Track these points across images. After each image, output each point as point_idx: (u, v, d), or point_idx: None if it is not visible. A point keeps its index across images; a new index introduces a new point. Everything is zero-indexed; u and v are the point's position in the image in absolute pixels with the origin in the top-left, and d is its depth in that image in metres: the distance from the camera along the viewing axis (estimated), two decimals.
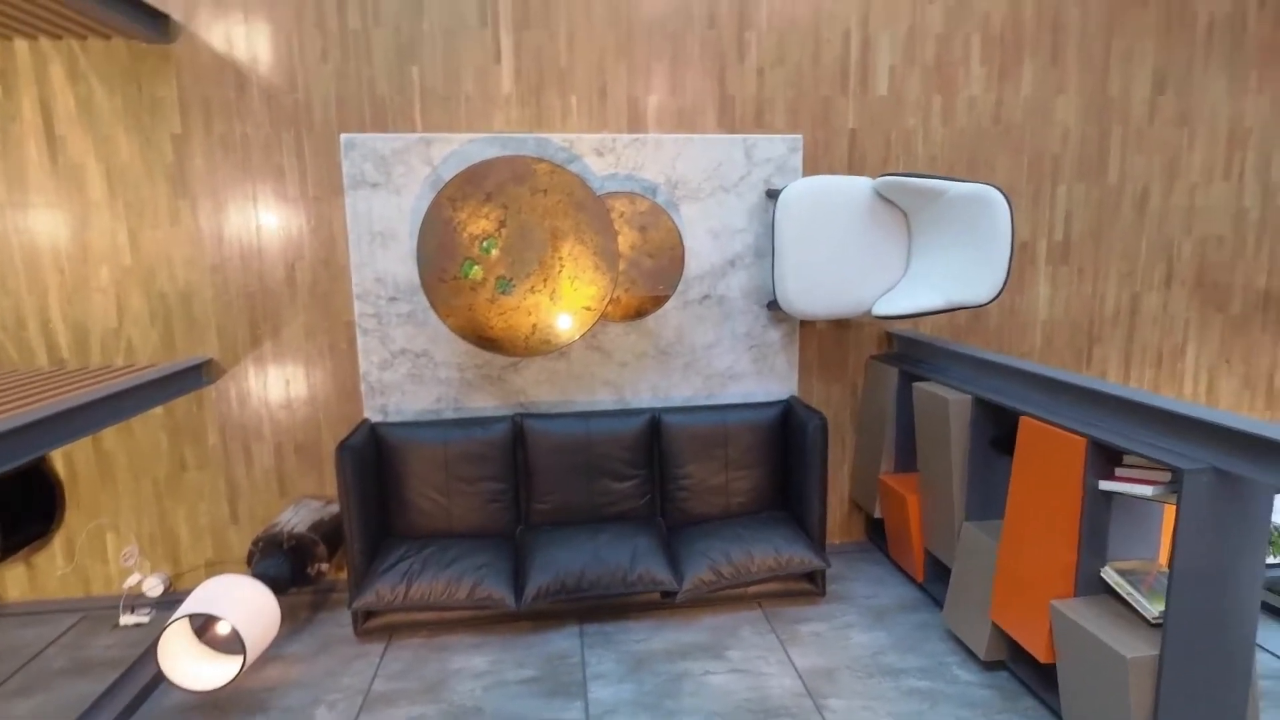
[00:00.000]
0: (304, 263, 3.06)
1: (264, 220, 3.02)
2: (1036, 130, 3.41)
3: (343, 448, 2.72)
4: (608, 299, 2.81)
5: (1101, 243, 3.55)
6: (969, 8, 3.28)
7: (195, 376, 2.99)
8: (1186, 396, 3.74)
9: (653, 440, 3.16)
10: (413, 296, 3.08)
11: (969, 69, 3.32)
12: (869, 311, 3.05)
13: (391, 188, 3.02)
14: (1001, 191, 2.67)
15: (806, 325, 3.38)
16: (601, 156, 3.11)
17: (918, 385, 2.88)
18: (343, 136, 2.98)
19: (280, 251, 3.04)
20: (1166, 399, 2.02)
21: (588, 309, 2.80)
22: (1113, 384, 2.27)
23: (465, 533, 3.02)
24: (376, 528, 2.92)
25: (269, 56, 2.93)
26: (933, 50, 3.28)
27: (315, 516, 2.99)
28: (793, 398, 3.30)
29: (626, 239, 3.07)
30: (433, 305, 2.76)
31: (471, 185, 2.72)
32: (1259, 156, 3.61)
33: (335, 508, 3.08)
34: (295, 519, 2.95)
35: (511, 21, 3.02)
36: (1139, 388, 3.63)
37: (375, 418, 3.14)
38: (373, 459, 2.93)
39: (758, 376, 3.35)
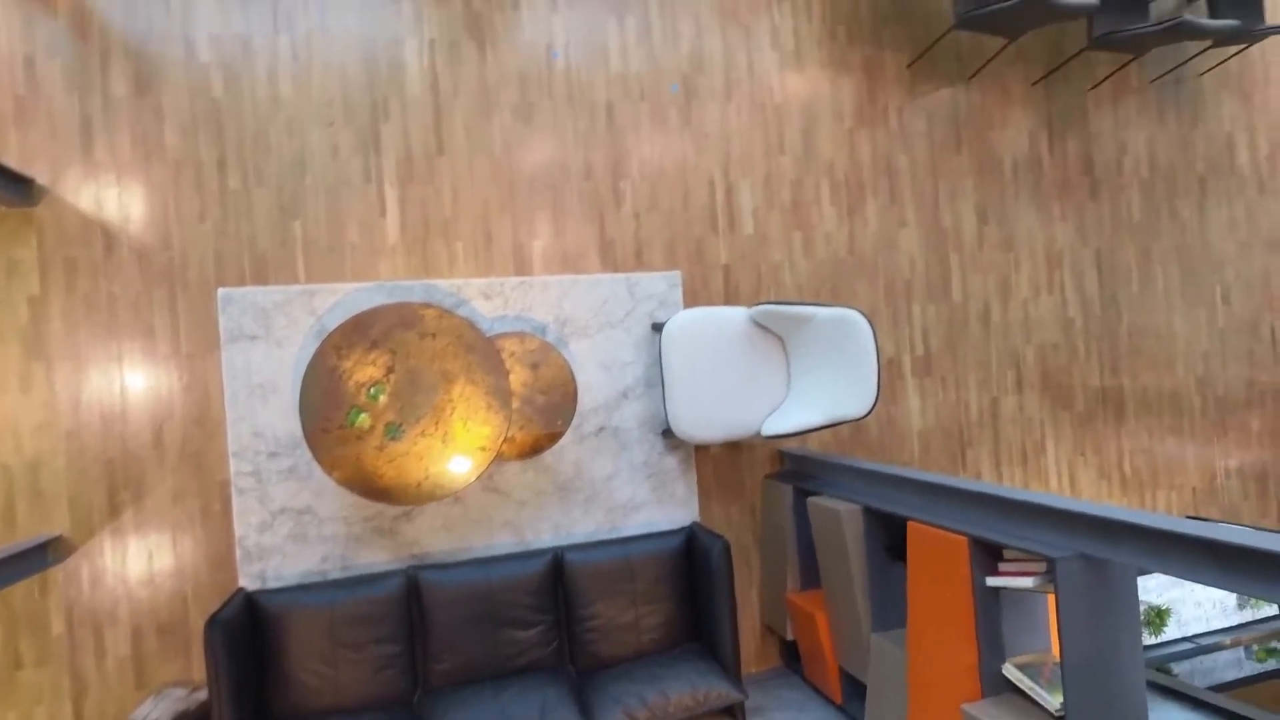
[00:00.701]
0: (174, 422, 2.88)
1: (130, 381, 2.86)
2: (886, 259, 3.79)
3: (212, 623, 2.46)
4: (502, 438, 2.79)
5: (957, 354, 3.89)
6: (815, 158, 3.70)
7: (38, 557, 2.68)
8: (1052, 489, 4.03)
9: (556, 581, 3.05)
10: (295, 450, 2.94)
11: (821, 209, 3.70)
12: (758, 432, 3.16)
13: (273, 339, 2.95)
14: (863, 314, 2.92)
15: (701, 450, 3.45)
16: (490, 299, 3.19)
17: (811, 500, 2.96)
18: (220, 291, 2.92)
19: (148, 412, 2.87)
20: (1034, 493, 2.18)
21: (483, 449, 2.76)
22: (986, 483, 2.42)
23: (355, 706, 2.74)
24: (253, 712, 2.60)
25: (142, 216, 2.89)
26: (789, 194, 3.65)
27: (179, 707, 2.64)
28: (695, 524, 3.31)
29: (519, 377, 3.10)
30: (317, 457, 2.64)
31: (358, 333, 2.70)
32: (1073, 274, 4.15)
33: (204, 694, 2.74)
34: (154, 712, 2.60)
35: (396, 178, 3.15)
36: (1010, 485, 3.89)
37: (252, 586, 2.88)
38: (248, 633, 2.66)
39: (659, 505, 3.35)
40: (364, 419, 2.66)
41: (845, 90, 3.77)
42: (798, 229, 3.65)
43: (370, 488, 2.68)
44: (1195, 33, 3.54)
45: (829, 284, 3.69)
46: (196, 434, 2.90)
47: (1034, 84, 4.11)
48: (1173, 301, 4.37)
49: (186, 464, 2.89)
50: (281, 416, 2.94)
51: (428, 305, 2.78)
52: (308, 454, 2.91)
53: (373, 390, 2.68)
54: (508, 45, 3.30)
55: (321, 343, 2.69)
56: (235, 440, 2.91)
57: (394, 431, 2.69)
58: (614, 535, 3.27)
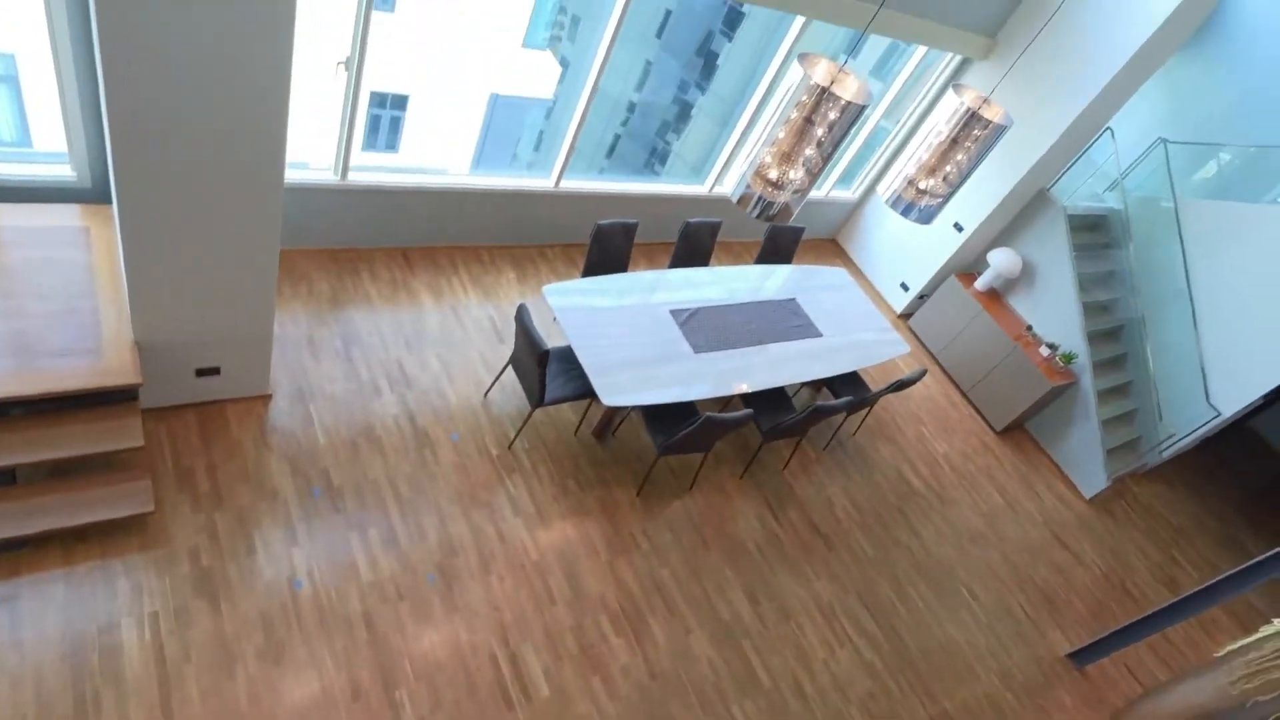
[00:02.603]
0: None
1: None
2: (688, 669, 3.77)
3: None
4: None
5: None
6: (586, 597, 3.81)
7: None
8: None
9: None
10: None
11: (610, 644, 3.69)
12: None
13: None
14: None
15: None
16: None
17: None
18: None
19: None
20: None
21: None
22: None
23: None
24: None
25: None
26: (573, 641, 3.62)
27: None
28: None
29: None
30: None
31: None
32: (851, 621, 4.44)
33: None
34: None
35: None
36: None
37: None
38: None
39: None
40: None
41: (592, 530, 4.11)
42: (594, 673, 3.56)
43: None
44: (829, 411, 4.58)
45: (644, 715, 3.51)
46: None
47: (740, 477, 4.86)
48: (937, 614, 4.79)
49: None
50: None
51: None
52: None
53: None
54: (245, 591, 3.18)
55: None
56: None
57: None
58: None
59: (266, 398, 3.85)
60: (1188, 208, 6.27)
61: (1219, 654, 4.33)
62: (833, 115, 2.49)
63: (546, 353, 3.71)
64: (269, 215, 3.05)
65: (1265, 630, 3.99)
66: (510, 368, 4.49)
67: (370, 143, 8.61)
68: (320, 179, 4.41)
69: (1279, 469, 9.00)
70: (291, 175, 4.27)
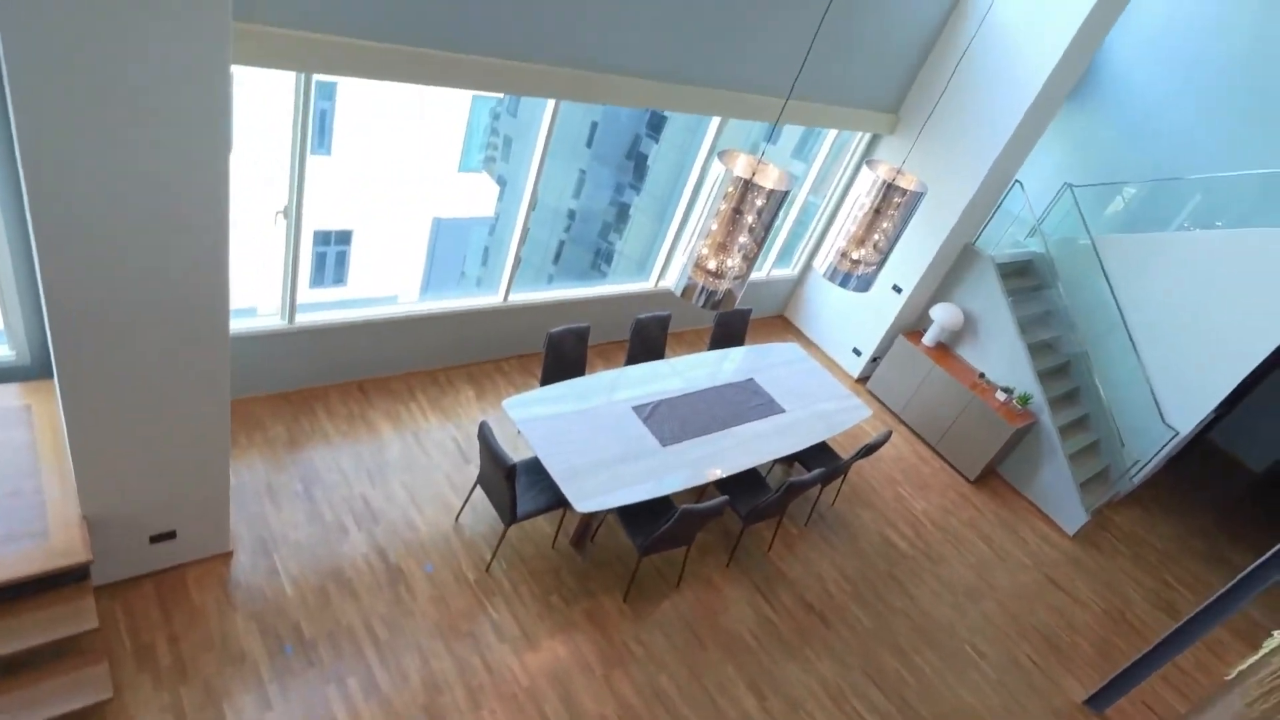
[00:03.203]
0: None
1: None
2: None
3: None
4: None
5: None
6: (585, 719, 3.62)
7: None
8: None
9: None
10: None
11: None
12: None
13: None
14: None
15: None
16: None
17: None
18: None
19: None
20: None
21: None
22: None
23: None
24: None
25: None
26: None
27: None
28: None
29: None
30: None
31: None
32: (860, 699, 4.29)
33: None
34: None
35: None
36: None
37: None
38: None
39: None
40: None
41: (583, 644, 3.95)
42: None
43: None
44: (804, 485, 4.57)
45: None
46: None
47: (727, 566, 4.77)
48: (946, 678, 4.66)
49: None
50: None
51: None
52: None
53: None
54: None
55: None
56: None
57: None
58: None
59: (227, 555, 3.70)
60: (1104, 243, 6.64)
61: (1229, 676, 4.28)
62: (759, 203, 2.61)
63: (513, 467, 3.66)
64: (216, 373, 3.02)
65: (1269, 644, 3.97)
66: (479, 487, 4.41)
67: (318, 279, 8.70)
68: (268, 325, 4.41)
69: (1245, 479, 9.20)
70: (238, 324, 4.26)
